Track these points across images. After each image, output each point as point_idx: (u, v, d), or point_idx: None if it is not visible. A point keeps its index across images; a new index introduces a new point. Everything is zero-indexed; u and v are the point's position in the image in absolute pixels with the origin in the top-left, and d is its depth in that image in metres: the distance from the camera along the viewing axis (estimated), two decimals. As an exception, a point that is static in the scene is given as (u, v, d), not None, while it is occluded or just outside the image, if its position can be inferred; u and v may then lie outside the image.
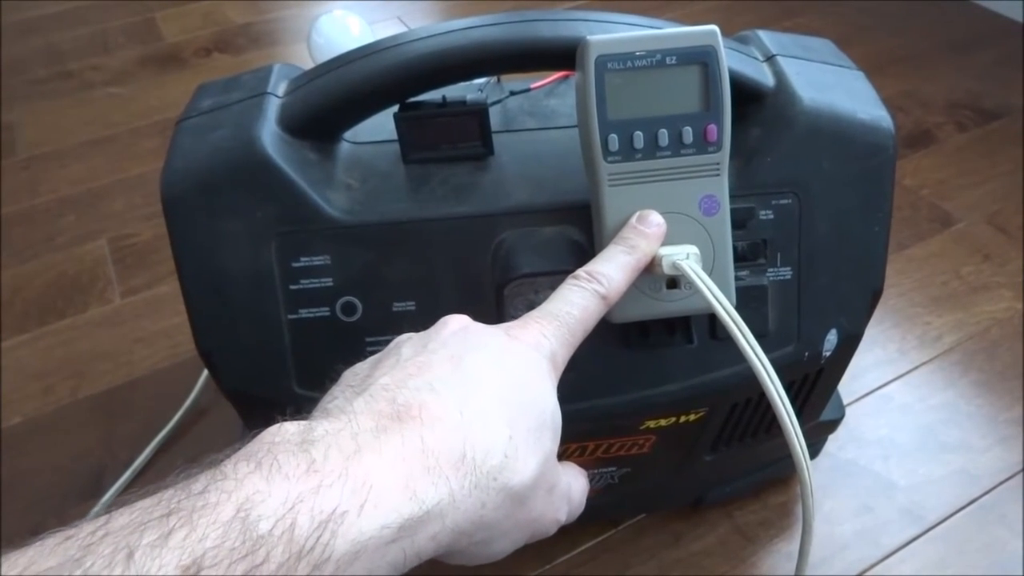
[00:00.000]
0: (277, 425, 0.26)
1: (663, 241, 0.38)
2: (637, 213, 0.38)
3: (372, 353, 0.41)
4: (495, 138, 0.44)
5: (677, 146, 0.38)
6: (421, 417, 0.27)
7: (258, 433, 0.26)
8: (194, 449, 0.65)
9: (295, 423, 0.27)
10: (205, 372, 0.67)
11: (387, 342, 0.41)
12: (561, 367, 0.33)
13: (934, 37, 1.12)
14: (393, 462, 0.25)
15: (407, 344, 0.32)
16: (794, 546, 0.56)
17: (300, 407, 0.41)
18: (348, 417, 0.27)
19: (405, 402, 0.28)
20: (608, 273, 0.35)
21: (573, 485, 0.34)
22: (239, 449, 0.25)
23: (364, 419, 0.27)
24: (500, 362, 0.31)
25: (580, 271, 0.35)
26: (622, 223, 0.38)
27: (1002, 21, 1.14)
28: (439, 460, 0.26)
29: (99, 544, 0.21)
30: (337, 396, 0.30)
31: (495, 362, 0.30)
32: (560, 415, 0.32)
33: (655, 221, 0.38)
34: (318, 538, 0.23)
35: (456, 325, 0.33)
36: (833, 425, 0.56)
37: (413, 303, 0.41)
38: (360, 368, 0.32)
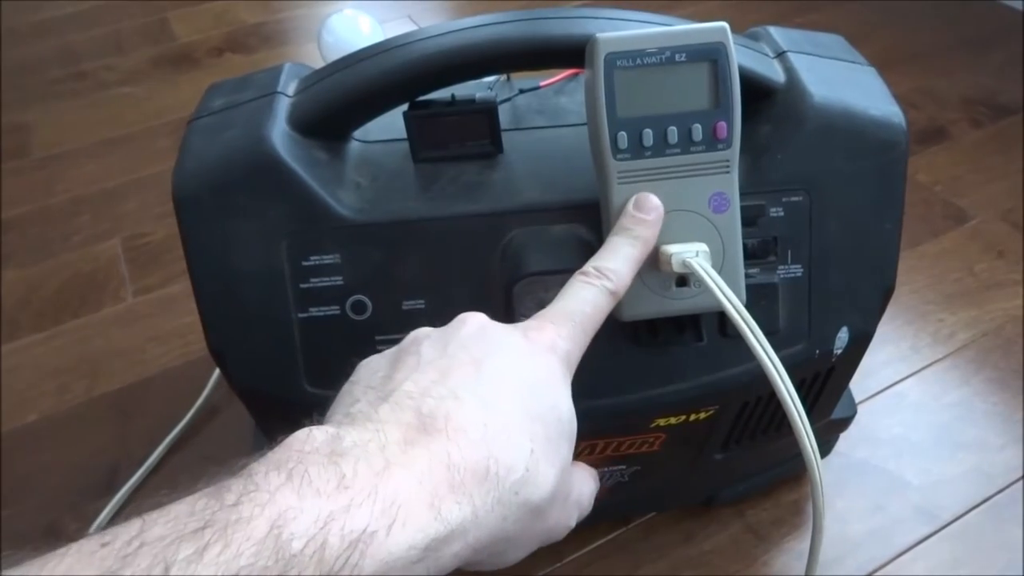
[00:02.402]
0: (305, 431, 0.26)
1: (672, 239, 0.38)
2: (633, 198, 0.38)
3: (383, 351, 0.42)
4: (504, 136, 0.44)
5: (687, 143, 0.37)
6: (447, 430, 0.27)
7: (285, 438, 0.26)
8: (207, 447, 0.65)
9: (322, 430, 0.26)
10: (217, 370, 0.67)
11: (397, 341, 0.42)
12: (575, 366, 0.33)
13: (948, 33, 1.11)
14: (421, 479, 0.25)
15: (426, 343, 0.32)
16: (806, 544, 0.55)
17: (313, 407, 0.42)
18: (375, 427, 0.27)
19: (431, 412, 0.27)
20: (615, 268, 0.35)
21: (583, 490, 0.34)
22: (268, 455, 0.25)
23: (391, 430, 0.27)
24: (520, 367, 0.30)
25: (588, 267, 0.35)
26: None
27: (1017, 17, 1.12)
28: (464, 476, 0.26)
29: (135, 556, 0.21)
30: (359, 399, 0.29)
31: (515, 367, 0.30)
32: (576, 422, 0.31)
33: (652, 205, 0.37)
34: (347, 558, 0.23)
35: (474, 324, 0.32)
36: (845, 423, 0.56)
37: (423, 301, 0.41)
38: (378, 364, 0.32)
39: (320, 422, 0.28)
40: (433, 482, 0.25)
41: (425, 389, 0.28)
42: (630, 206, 0.37)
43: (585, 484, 0.35)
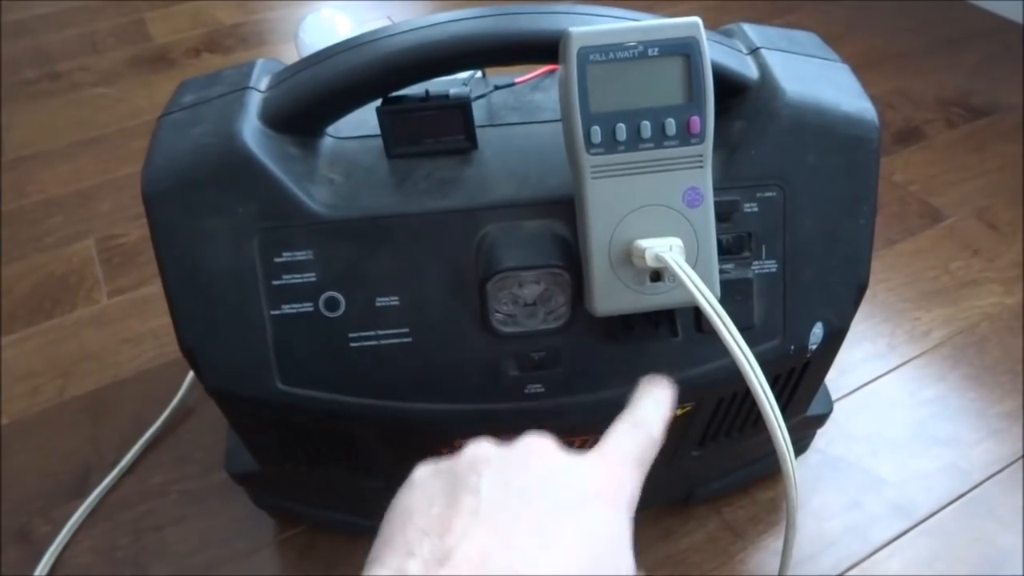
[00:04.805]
0: None
1: (646, 233, 0.38)
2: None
3: (355, 349, 0.41)
4: (479, 132, 0.44)
5: (660, 138, 0.37)
6: None
7: None
8: (181, 449, 0.64)
9: None
10: (191, 372, 0.66)
11: (370, 338, 0.41)
12: (634, 508, 0.31)
13: (925, 35, 1.12)
14: None
15: (487, 476, 0.29)
16: (782, 542, 0.56)
17: (285, 406, 0.41)
18: None
19: None
20: (651, 421, 0.34)
21: None
22: None
23: None
24: (589, 532, 0.28)
25: (627, 417, 0.34)
26: (605, 216, 0.38)
27: (992, 19, 1.14)
28: None
29: None
30: (414, 551, 0.26)
31: (583, 533, 0.28)
32: None
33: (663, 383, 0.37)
34: None
35: (541, 461, 0.30)
36: (821, 420, 0.56)
37: (396, 298, 0.41)
38: (432, 491, 0.29)
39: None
40: None
41: (484, 557, 0.26)
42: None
43: None
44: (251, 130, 0.41)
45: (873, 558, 0.55)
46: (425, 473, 0.30)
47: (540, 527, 0.27)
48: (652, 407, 0.36)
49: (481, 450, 0.30)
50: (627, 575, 0.28)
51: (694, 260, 0.39)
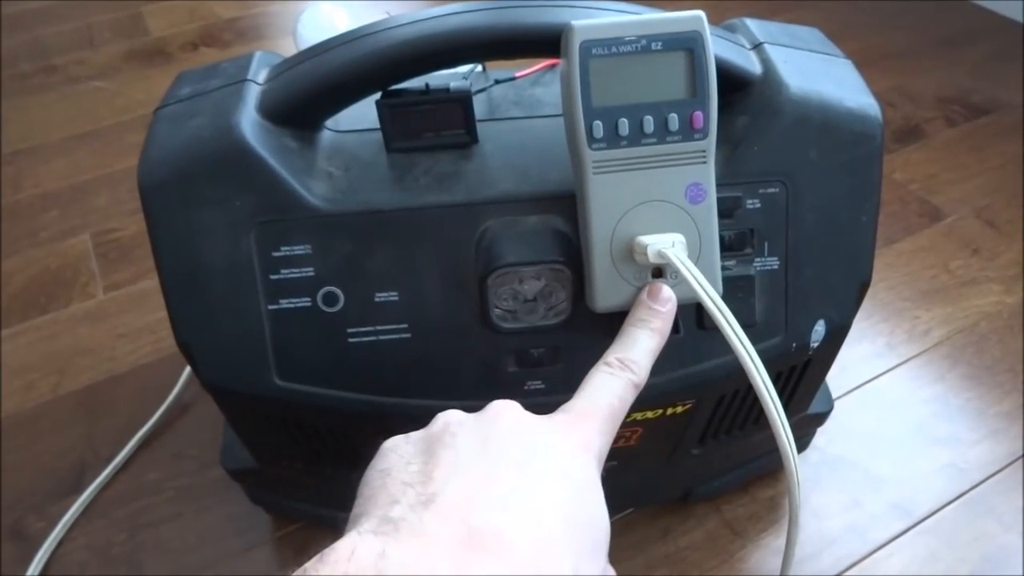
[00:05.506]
0: (349, 546, 0.24)
1: (648, 229, 0.37)
2: (646, 287, 0.37)
3: (353, 345, 0.41)
4: (480, 127, 0.44)
5: (663, 133, 0.37)
6: (498, 548, 0.25)
7: (324, 551, 0.25)
8: (177, 445, 0.64)
9: (367, 546, 0.25)
10: (188, 367, 0.66)
11: (369, 333, 0.41)
12: (604, 461, 0.32)
13: (924, 33, 1.11)
14: None
15: (461, 434, 0.30)
16: (782, 540, 0.55)
17: (282, 401, 0.41)
18: (422, 542, 0.25)
19: (480, 527, 0.26)
20: (638, 360, 0.35)
21: None
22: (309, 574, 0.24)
23: (439, 548, 0.25)
24: (563, 474, 0.29)
25: (611, 358, 0.34)
26: (607, 212, 0.38)
27: (992, 17, 1.14)
28: None
29: None
30: (398, 499, 0.27)
31: (559, 474, 0.29)
32: (609, 527, 0.30)
33: (666, 296, 0.37)
34: None
35: (511, 418, 0.31)
36: (821, 418, 0.56)
37: (395, 293, 0.41)
38: (407, 452, 0.29)
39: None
40: None
41: (471, 496, 0.27)
42: (644, 295, 0.37)
43: None
44: (249, 123, 0.40)
45: (873, 557, 0.55)
46: (396, 441, 0.31)
47: (521, 470, 0.28)
48: (644, 340, 0.36)
49: (452, 416, 0.31)
50: (603, 519, 0.29)
51: (696, 256, 0.38)
